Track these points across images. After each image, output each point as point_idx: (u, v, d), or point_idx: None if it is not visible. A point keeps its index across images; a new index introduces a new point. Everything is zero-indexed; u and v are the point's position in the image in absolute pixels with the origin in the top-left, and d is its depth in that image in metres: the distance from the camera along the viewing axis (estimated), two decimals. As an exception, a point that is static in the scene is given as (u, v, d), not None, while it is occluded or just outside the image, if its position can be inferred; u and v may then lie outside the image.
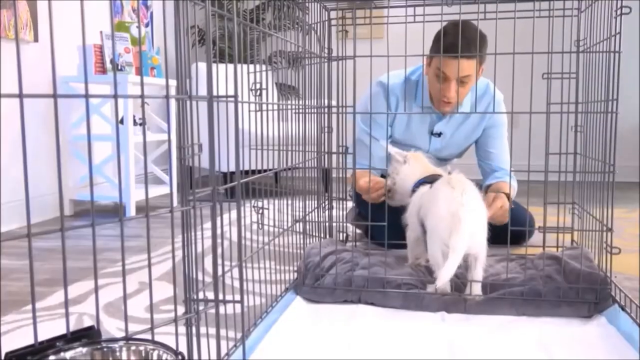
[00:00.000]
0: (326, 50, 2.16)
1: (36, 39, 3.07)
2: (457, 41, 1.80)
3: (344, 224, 2.42)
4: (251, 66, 3.43)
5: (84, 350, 0.89)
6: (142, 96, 0.93)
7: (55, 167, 3.27)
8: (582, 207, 1.89)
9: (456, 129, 2.39)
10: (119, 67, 3.30)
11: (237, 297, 1.13)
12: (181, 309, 1.11)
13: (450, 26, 2.04)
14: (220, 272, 1.34)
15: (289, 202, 1.99)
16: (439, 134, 2.39)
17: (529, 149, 1.71)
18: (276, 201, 2.00)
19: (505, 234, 1.75)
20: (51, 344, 0.87)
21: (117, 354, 0.92)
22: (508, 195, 2.16)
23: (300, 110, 1.98)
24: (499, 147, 2.42)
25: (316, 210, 2.17)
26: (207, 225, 2.37)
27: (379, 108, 2.30)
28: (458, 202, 1.62)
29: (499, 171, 2.41)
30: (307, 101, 2.01)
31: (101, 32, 3.29)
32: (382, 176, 2.27)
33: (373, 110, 2.25)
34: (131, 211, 3.25)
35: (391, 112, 2.34)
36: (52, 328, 1.56)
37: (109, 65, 3.31)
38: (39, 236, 2.55)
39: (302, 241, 2.03)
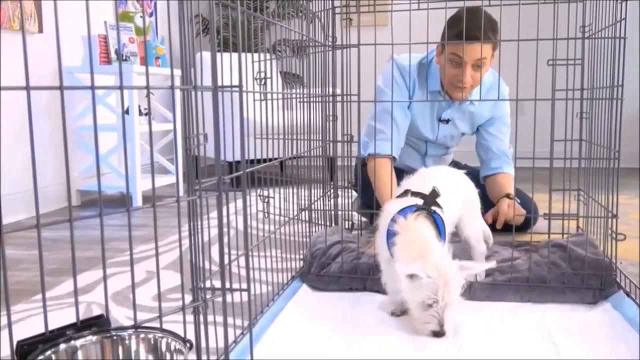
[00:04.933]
0: (330, 39, 2.16)
1: (41, 30, 3.07)
2: (473, 25, 1.80)
3: (350, 213, 2.43)
4: (255, 55, 3.43)
5: (94, 338, 0.90)
6: (147, 87, 0.94)
7: (59, 158, 3.29)
8: (587, 193, 1.89)
9: (463, 117, 2.38)
10: (124, 58, 3.30)
11: (244, 286, 1.14)
12: (188, 298, 1.12)
13: (462, 12, 1.98)
14: (226, 260, 1.35)
15: (295, 190, 1.99)
16: (447, 121, 2.38)
17: (534, 135, 1.71)
18: (282, 190, 2.00)
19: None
20: (61, 333, 0.88)
21: (127, 342, 0.93)
22: (510, 195, 2.17)
23: (305, 99, 1.98)
24: (501, 132, 2.41)
25: (322, 198, 2.18)
26: (213, 214, 2.38)
27: (401, 87, 2.27)
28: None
29: (497, 159, 2.39)
30: (311, 90, 2.01)
31: (105, 22, 3.29)
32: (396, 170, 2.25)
33: (393, 93, 2.20)
34: (138, 201, 3.26)
35: (402, 100, 2.30)
36: (61, 317, 1.57)
37: (113, 56, 3.31)
38: (45, 227, 2.57)
39: (307, 230, 2.04)
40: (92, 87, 0.86)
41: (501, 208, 2.15)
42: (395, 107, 2.22)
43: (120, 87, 0.89)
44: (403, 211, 1.52)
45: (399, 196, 1.67)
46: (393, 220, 1.51)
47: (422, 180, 1.70)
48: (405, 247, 1.45)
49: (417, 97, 2.31)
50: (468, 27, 1.85)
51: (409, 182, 1.72)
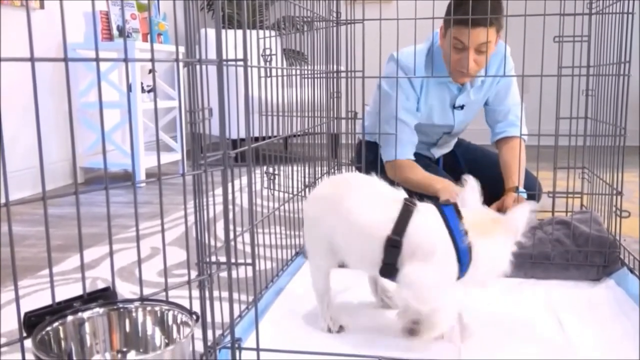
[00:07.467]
0: (335, 14, 2.14)
1: (42, 6, 3.05)
2: (475, 9, 1.75)
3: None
4: (259, 32, 3.40)
5: (101, 310, 0.91)
6: (152, 60, 0.93)
7: (64, 136, 3.28)
8: (592, 171, 1.88)
9: (477, 98, 2.35)
10: (126, 34, 3.27)
11: (249, 261, 1.14)
12: (194, 274, 1.12)
13: None
14: (231, 235, 1.35)
15: (299, 167, 1.99)
16: (462, 107, 2.35)
17: (539, 113, 1.70)
18: (286, 167, 2.00)
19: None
20: (68, 305, 0.89)
21: (133, 314, 0.93)
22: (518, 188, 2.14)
23: (309, 76, 1.97)
24: (507, 87, 2.36)
25: (325, 175, 2.17)
26: (218, 191, 2.38)
27: (407, 91, 2.18)
28: None
29: (503, 122, 2.34)
30: (315, 66, 2.00)
31: (107, -2, 3.27)
32: (417, 160, 2.21)
33: (400, 95, 2.09)
34: (141, 178, 3.27)
35: (415, 91, 2.22)
36: (66, 292, 1.58)
37: (115, 32, 3.29)
38: (51, 203, 2.57)
39: (311, 206, 2.04)
40: (97, 59, 0.85)
41: (507, 202, 2.13)
42: (403, 111, 2.16)
43: (125, 60, 0.88)
44: None
45: None
46: None
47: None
48: None
49: (430, 89, 2.25)
50: (470, 12, 1.81)
51: None
